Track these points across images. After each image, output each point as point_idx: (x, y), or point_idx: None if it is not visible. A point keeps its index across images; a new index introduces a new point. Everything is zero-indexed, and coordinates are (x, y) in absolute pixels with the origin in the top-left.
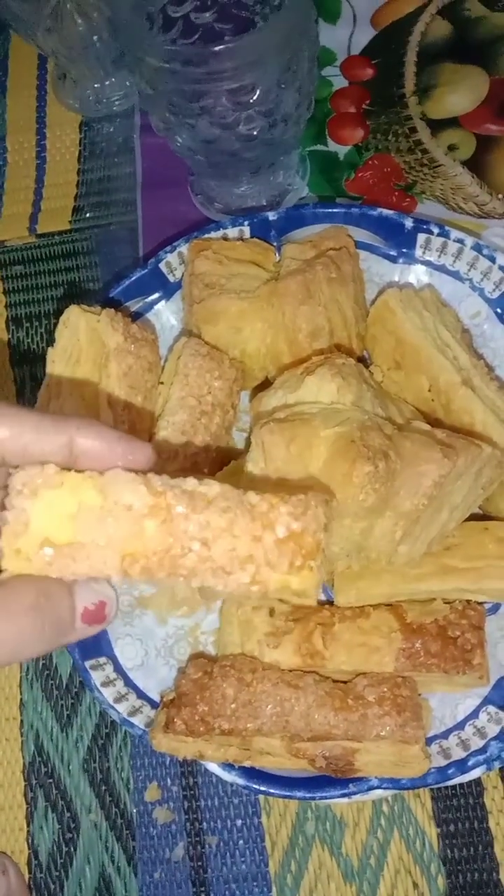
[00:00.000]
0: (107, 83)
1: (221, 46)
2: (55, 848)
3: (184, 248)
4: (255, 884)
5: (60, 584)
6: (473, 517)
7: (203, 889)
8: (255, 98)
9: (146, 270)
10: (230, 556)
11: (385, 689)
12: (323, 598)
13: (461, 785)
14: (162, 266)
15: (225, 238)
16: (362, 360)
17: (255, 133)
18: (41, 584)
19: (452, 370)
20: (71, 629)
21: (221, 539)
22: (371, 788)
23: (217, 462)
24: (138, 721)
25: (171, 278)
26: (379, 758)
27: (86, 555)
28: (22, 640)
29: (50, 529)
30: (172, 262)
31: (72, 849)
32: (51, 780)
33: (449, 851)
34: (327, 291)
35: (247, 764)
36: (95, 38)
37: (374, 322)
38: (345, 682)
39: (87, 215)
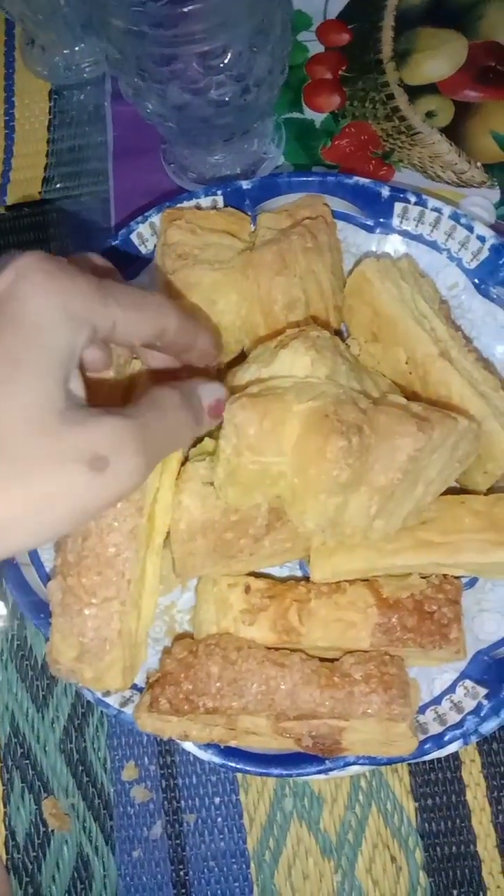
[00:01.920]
0: (76, 49)
1: (191, 7)
2: (32, 829)
3: (156, 219)
4: (233, 860)
5: (191, 384)
6: (449, 491)
7: (182, 867)
8: (226, 62)
9: (117, 241)
10: None
11: (372, 667)
12: (299, 574)
13: (439, 759)
14: (133, 237)
15: (198, 207)
16: (339, 333)
17: (226, 98)
18: (181, 386)
19: (429, 342)
20: (203, 421)
21: None
22: (348, 764)
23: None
24: (113, 701)
25: (142, 249)
26: (366, 736)
27: None
28: (179, 431)
29: None
30: (144, 233)
31: (49, 829)
32: (27, 762)
33: (427, 825)
34: (303, 262)
35: (232, 744)
36: (63, 1)
37: (351, 293)
38: (332, 661)
39: (58, 186)
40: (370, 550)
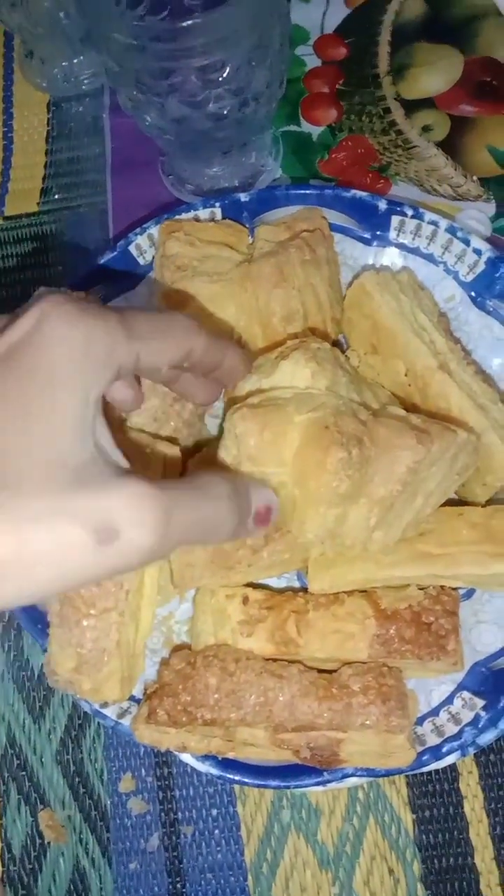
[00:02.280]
0: (75, 61)
1: (190, 22)
2: (28, 841)
3: (154, 230)
4: (230, 873)
5: (244, 481)
6: (448, 503)
7: (179, 879)
8: (224, 76)
9: (115, 253)
10: None
11: (370, 678)
12: (297, 585)
13: (436, 771)
14: (132, 248)
15: (196, 219)
16: (338, 345)
17: (225, 112)
18: (232, 478)
19: (429, 354)
20: (247, 524)
21: None
22: (346, 776)
23: (190, 450)
24: (110, 712)
25: (140, 261)
26: (364, 748)
27: None
28: (220, 523)
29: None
30: (142, 245)
31: (45, 841)
32: (23, 773)
33: (424, 837)
34: (301, 274)
35: (230, 755)
36: (62, 14)
37: (351, 306)
38: (330, 672)
39: (56, 197)
40: (368, 562)
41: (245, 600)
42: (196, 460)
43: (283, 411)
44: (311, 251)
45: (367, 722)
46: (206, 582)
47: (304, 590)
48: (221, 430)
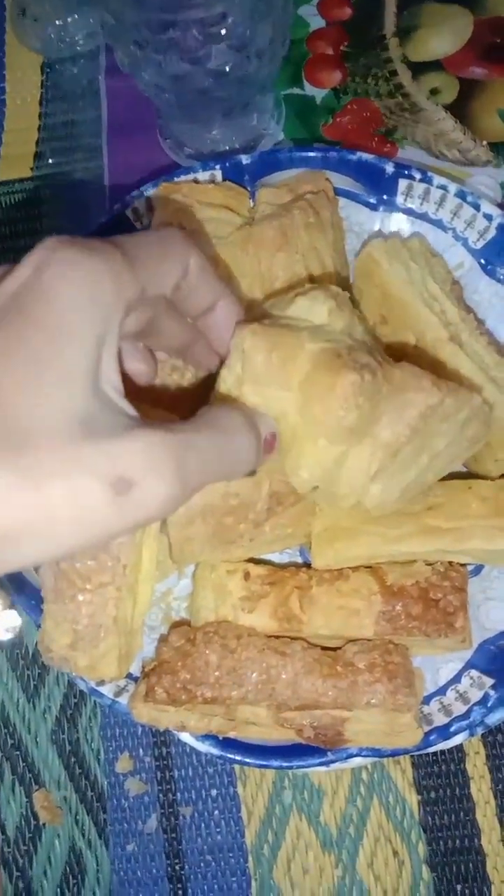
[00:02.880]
0: (69, 20)
1: None
2: (23, 822)
3: (151, 194)
4: (230, 854)
5: (249, 409)
6: (459, 477)
7: (177, 861)
8: (226, 30)
9: (111, 218)
10: None
11: (376, 656)
12: (300, 560)
13: (442, 751)
14: (128, 213)
15: (195, 182)
16: None
17: (226, 69)
18: (244, 408)
19: (439, 325)
20: (260, 453)
21: None
22: (350, 756)
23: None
24: (107, 690)
25: (137, 226)
26: (369, 727)
27: None
28: (240, 457)
29: None
30: (140, 209)
31: (40, 823)
32: (17, 753)
33: (430, 818)
34: (306, 238)
35: (231, 735)
36: None
37: (359, 275)
38: (334, 650)
39: (50, 161)
40: (374, 536)
41: (247, 576)
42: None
43: (297, 336)
44: (315, 213)
45: (373, 700)
46: (207, 557)
47: (307, 566)
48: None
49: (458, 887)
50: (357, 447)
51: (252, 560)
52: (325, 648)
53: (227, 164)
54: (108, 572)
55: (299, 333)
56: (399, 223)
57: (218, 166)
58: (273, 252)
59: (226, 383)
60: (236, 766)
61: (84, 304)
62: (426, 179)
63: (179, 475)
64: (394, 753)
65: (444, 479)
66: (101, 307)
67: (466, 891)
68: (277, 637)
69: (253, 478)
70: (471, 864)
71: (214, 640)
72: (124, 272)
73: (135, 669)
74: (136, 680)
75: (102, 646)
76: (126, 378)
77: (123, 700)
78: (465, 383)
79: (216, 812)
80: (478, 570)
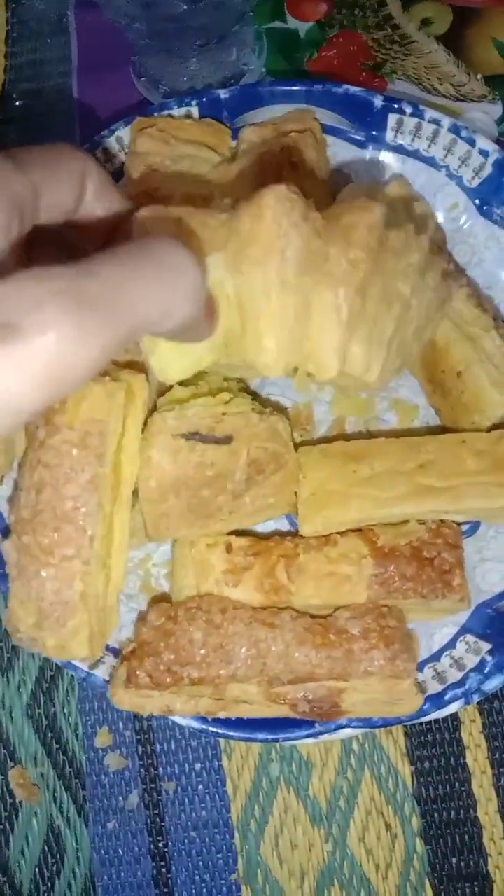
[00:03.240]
0: None
1: None
2: None
3: (123, 133)
4: (216, 830)
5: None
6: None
7: (160, 837)
8: None
9: None
10: None
11: (370, 621)
12: (285, 528)
13: (436, 720)
14: (98, 153)
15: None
16: None
17: None
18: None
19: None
20: (204, 300)
21: None
22: (340, 727)
23: None
24: (81, 663)
25: (109, 167)
26: (367, 696)
27: None
28: (177, 290)
29: None
30: (111, 148)
31: (17, 801)
32: None
33: (424, 790)
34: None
35: (221, 715)
36: None
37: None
38: (324, 617)
39: (17, 104)
40: (365, 500)
41: (228, 548)
42: (166, 400)
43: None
44: (299, 152)
45: (371, 668)
46: (185, 533)
47: (293, 533)
48: None
49: (454, 860)
50: (317, 294)
51: (234, 532)
52: (313, 617)
53: (204, 100)
54: (71, 545)
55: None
56: (388, 161)
57: (195, 102)
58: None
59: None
60: (221, 739)
61: None
62: (417, 113)
63: (75, 307)
64: (385, 724)
65: (435, 433)
66: None
67: (462, 863)
68: (265, 608)
69: (229, 446)
70: (466, 836)
71: (198, 615)
72: (7, 167)
73: (111, 641)
74: (114, 652)
75: (70, 624)
76: None
77: (100, 673)
78: (440, 343)
79: (200, 787)
80: (473, 529)
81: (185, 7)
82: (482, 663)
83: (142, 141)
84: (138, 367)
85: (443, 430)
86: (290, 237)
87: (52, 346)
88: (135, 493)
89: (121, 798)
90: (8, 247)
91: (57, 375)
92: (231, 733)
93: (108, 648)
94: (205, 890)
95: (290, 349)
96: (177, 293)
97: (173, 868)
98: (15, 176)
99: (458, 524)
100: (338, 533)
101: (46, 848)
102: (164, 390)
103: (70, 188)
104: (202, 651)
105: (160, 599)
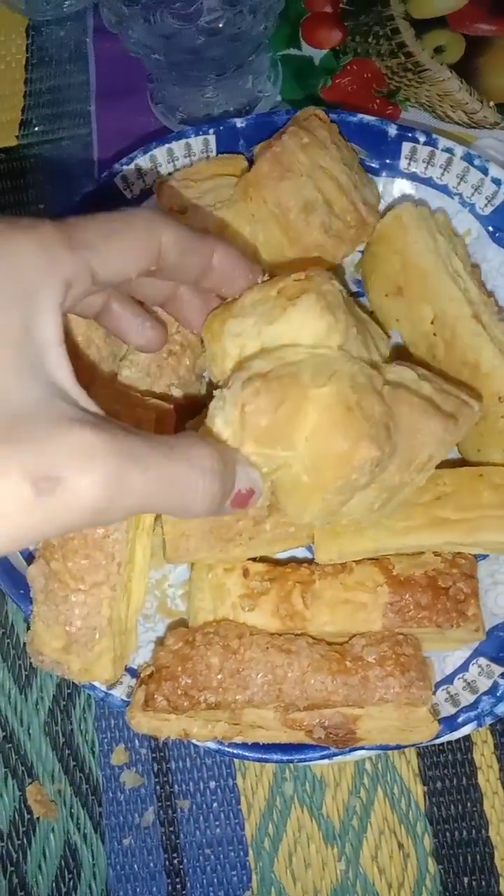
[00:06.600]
0: None
1: None
2: (16, 816)
3: (141, 161)
4: (230, 848)
5: (231, 457)
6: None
7: (175, 854)
8: None
9: (99, 187)
10: None
11: (386, 648)
12: (300, 555)
13: (449, 741)
14: (117, 181)
15: (187, 148)
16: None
17: (219, 25)
18: (221, 450)
19: (463, 301)
20: (225, 506)
21: None
22: (353, 749)
23: (186, 410)
24: (100, 683)
25: (127, 195)
26: (383, 723)
27: None
28: (194, 497)
29: None
30: (129, 177)
31: (34, 817)
32: (10, 745)
33: (436, 809)
34: (305, 159)
35: (237, 740)
36: None
37: (380, 239)
38: (340, 644)
39: (36, 129)
40: (380, 530)
41: (245, 573)
42: (195, 423)
43: (298, 384)
44: (309, 133)
45: (386, 696)
46: (203, 556)
47: (309, 560)
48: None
49: (466, 880)
50: (362, 492)
51: (251, 558)
52: (330, 643)
53: (221, 129)
54: (101, 571)
55: (300, 377)
56: (403, 189)
57: (211, 130)
58: (275, 184)
59: (220, 437)
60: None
61: (5, 285)
62: (431, 142)
63: (114, 483)
64: (399, 746)
65: (453, 466)
66: (27, 286)
67: (474, 883)
68: (281, 635)
69: None
70: (478, 856)
71: (215, 640)
72: (57, 248)
73: (129, 661)
74: (132, 673)
75: (97, 648)
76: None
77: (117, 693)
78: (484, 367)
79: (215, 805)
80: (484, 554)
81: (203, 39)
82: (495, 686)
83: (165, 198)
84: None
85: (461, 462)
86: (365, 478)
87: (79, 511)
88: (156, 519)
89: (137, 815)
90: (61, 319)
91: (73, 526)
92: (245, 754)
93: (126, 671)
94: None
95: (322, 520)
96: (188, 507)
97: (188, 885)
98: (63, 255)
99: None
100: (354, 561)
101: (63, 864)
102: (188, 410)
103: (143, 252)
104: (219, 676)
105: (177, 625)
